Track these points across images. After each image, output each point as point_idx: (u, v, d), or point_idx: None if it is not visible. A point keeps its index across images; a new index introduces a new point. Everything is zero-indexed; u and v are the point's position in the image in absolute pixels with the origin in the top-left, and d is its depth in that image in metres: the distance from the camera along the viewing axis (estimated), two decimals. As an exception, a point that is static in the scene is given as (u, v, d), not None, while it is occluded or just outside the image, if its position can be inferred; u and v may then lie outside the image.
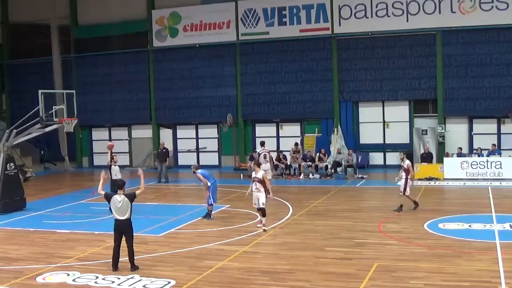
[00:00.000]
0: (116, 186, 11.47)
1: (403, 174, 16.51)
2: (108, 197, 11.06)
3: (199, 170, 16.35)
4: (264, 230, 14.17)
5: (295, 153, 26.09)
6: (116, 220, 10.97)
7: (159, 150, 25.15)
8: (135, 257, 11.07)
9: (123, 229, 10.94)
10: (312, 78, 28.56)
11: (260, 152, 21.03)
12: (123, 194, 10.98)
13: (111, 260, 11.06)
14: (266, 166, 19.99)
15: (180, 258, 11.93)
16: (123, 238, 11.00)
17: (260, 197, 14.44)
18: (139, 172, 11.71)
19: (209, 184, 15.99)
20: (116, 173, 17.51)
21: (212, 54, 30.05)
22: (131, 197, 10.97)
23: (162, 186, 23.78)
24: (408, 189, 16.43)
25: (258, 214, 14.83)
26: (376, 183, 23.42)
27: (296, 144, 26.83)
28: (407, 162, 16.74)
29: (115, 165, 17.92)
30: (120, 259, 10.98)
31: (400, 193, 16.56)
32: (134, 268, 10.90)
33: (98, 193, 11.39)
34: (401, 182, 16.52)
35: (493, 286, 9.51)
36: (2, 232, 15.25)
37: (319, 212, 16.78)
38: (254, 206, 14.73)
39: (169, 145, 31.15)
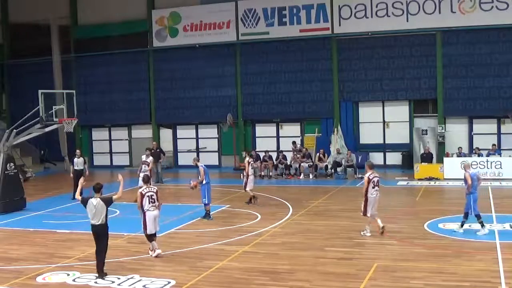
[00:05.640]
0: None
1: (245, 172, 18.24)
2: (84, 202, 10.75)
3: (202, 164, 16.35)
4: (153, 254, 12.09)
5: (297, 153, 26.13)
6: (92, 225, 10.68)
7: (152, 151, 25.08)
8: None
9: (99, 234, 10.64)
10: (312, 78, 28.55)
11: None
12: (99, 197, 10.68)
13: (96, 264, 10.78)
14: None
15: (180, 258, 11.93)
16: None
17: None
18: (119, 178, 11.42)
19: (204, 182, 15.96)
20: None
21: (212, 54, 30.04)
22: (107, 201, 10.67)
23: (162, 186, 23.76)
24: (248, 186, 18.01)
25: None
26: (376, 183, 23.37)
27: (294, 142, 26.88)
28: (247, 160, 18.34)
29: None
30: (120, 259, 10.97)
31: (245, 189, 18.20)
32: (101, 275, 10.47)
33: (76, 199, 11.15)
34: (243, 180, 18.32)
35: (493, 286, 9.51)
36: (2, 232, 15.25)
37: (319, 212, 16.79)
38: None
39: (169, 145, 31.24)
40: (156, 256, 11.87)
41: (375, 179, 13.45)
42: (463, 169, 13.82)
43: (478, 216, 13.27)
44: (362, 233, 13.39)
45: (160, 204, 12.13)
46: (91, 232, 10.86)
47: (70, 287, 10.27)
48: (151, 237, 11.95)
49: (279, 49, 28.98)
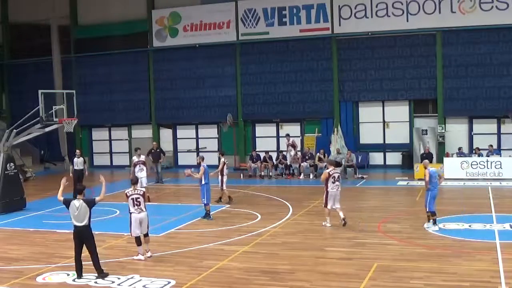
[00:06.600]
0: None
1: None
2: (66, 203, 10.65)
3: (205, 164, 16.35)
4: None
5: (290, 147, 26.19)
6: (75, 227, 10.54)
7: (153, 151, 25.08)
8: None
9: (83, 236, 10.50)
10: (312, 78, 28.55)
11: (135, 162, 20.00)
12: (82, 199, 10.59)
13: (73, 266, 10.71)
14: (142, 173, 19.36)
15: (180, 258, 11.93)
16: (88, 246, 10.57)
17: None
18: (101, 179, 11.28)
19: (203, 182, 15.95)
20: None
21: (212, 54, 30.03)
22: (90, 203, 10.55)
23: (162, 186, 23.79)
24: (223, 185, 18.34)
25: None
26: (376, 183, 23.42)
27: (287, 134, 26.89)
28: (222, 160, 18.50)
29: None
30: (120, 259, 10.96)
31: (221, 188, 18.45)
32: (102, 275, 10.48)
33: (58, 200, 10.93)
34: (219, 179, 18.34)
35: (493, 286, 9.51)
36: (2, 232, 15.25)
37: (319, 212, 16.74)
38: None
39: (169, 145, 31.23)
40: (138, 260, 11.67)
41: (335, 175, 14.58)
42: (423, 167, 14.66)
43: (433, 214, 13.91)
44: (323, 223, 14.59)
45: (146, 203, 12.01)
46: (72, 235, 10.68)
47: (70, 287, 10.27)
48: (139, 241, 11.76)
49: (279, 49, 28.97)
